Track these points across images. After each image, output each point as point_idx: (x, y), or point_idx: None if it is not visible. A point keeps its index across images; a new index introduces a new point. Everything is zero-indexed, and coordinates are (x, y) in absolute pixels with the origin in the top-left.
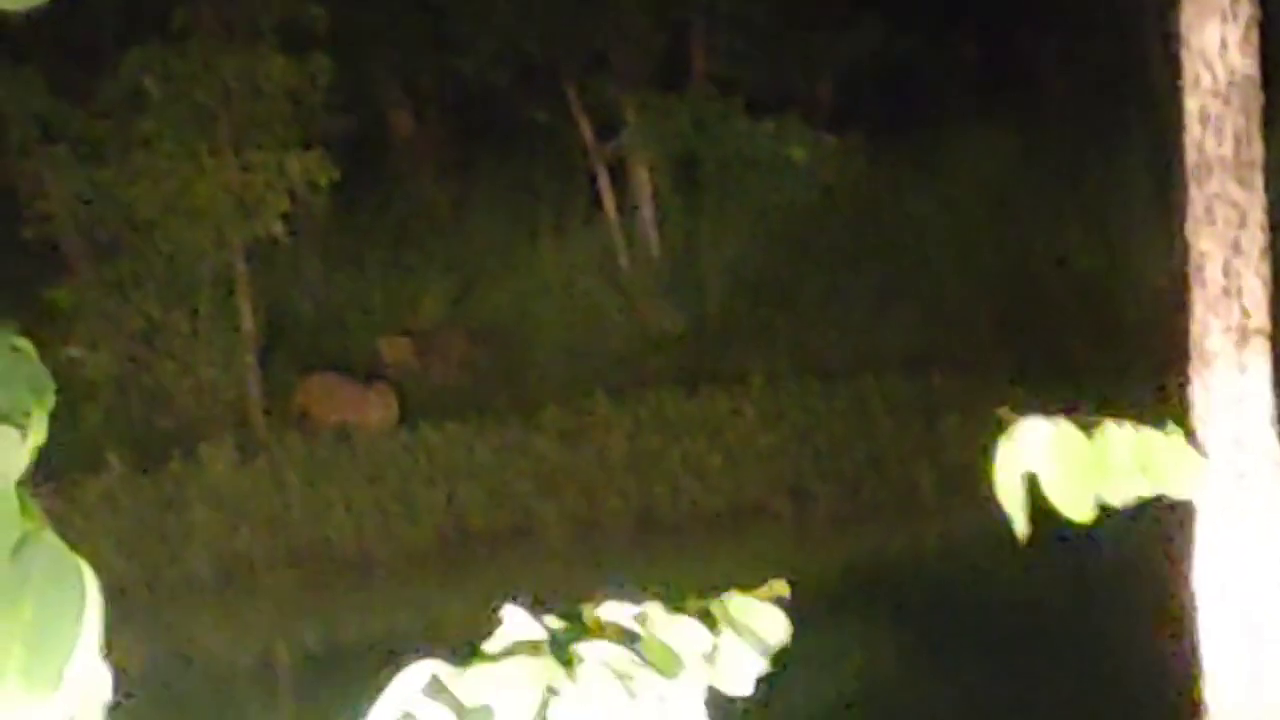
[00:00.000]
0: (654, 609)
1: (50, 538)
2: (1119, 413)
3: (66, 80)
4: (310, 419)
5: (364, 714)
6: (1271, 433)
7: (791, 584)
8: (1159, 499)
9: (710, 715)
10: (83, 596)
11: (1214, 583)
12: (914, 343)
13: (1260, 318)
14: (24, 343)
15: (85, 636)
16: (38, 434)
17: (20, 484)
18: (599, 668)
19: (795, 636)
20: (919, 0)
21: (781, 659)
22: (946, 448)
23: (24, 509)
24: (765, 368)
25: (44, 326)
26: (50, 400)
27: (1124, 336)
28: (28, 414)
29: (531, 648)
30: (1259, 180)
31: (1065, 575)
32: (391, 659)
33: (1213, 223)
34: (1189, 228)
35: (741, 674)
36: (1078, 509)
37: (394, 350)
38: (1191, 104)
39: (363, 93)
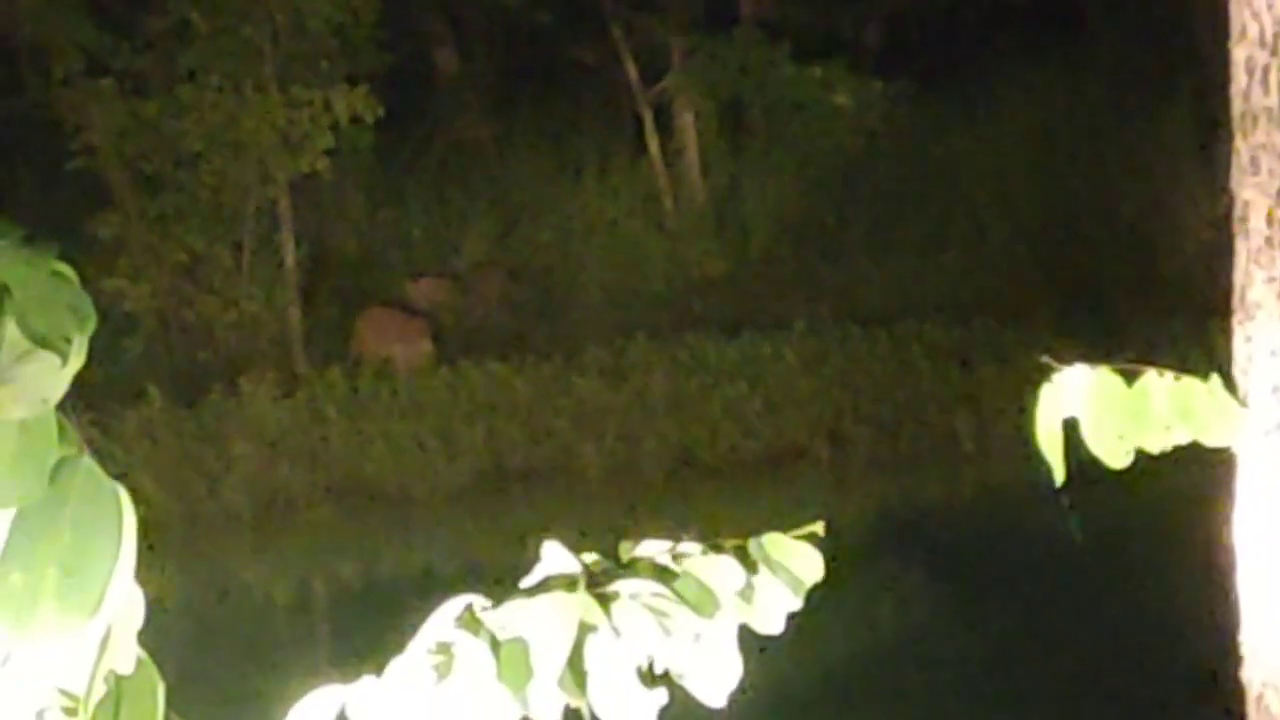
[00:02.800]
0: (690, 547)
1: (88, 463)
2: (1160, 362)
3: (112, 13)
4: (363, 353)
5: (402, 647)
6: None
7: (828, 528)
8: (1199, 449)
9: (744, 654)
10: (120, 522)
11: (1253, 532)
12: (957, 290)
13: None
14: (66, 268)
15: (121, 562)
16: (78, 359)
17: (59, 410)
18: (635, 604)
19: (830, 582)
20: None
21: (817, 604)
22: (986, 395)
23: (62, 434)
24: (807, 313)
25: (86, 259)
26: (91, 326)
27: (1167, 286)
28: (68, 340)
29: (568, 584)
30: None
31: (1103, 523)
32: (429, 595)
33: (1257, 173)
34: (1233, 178)
35: (775, 613)
36: (1116, 457)
37: (426, 291)
38: (1238, 54)
39: (408, 29)
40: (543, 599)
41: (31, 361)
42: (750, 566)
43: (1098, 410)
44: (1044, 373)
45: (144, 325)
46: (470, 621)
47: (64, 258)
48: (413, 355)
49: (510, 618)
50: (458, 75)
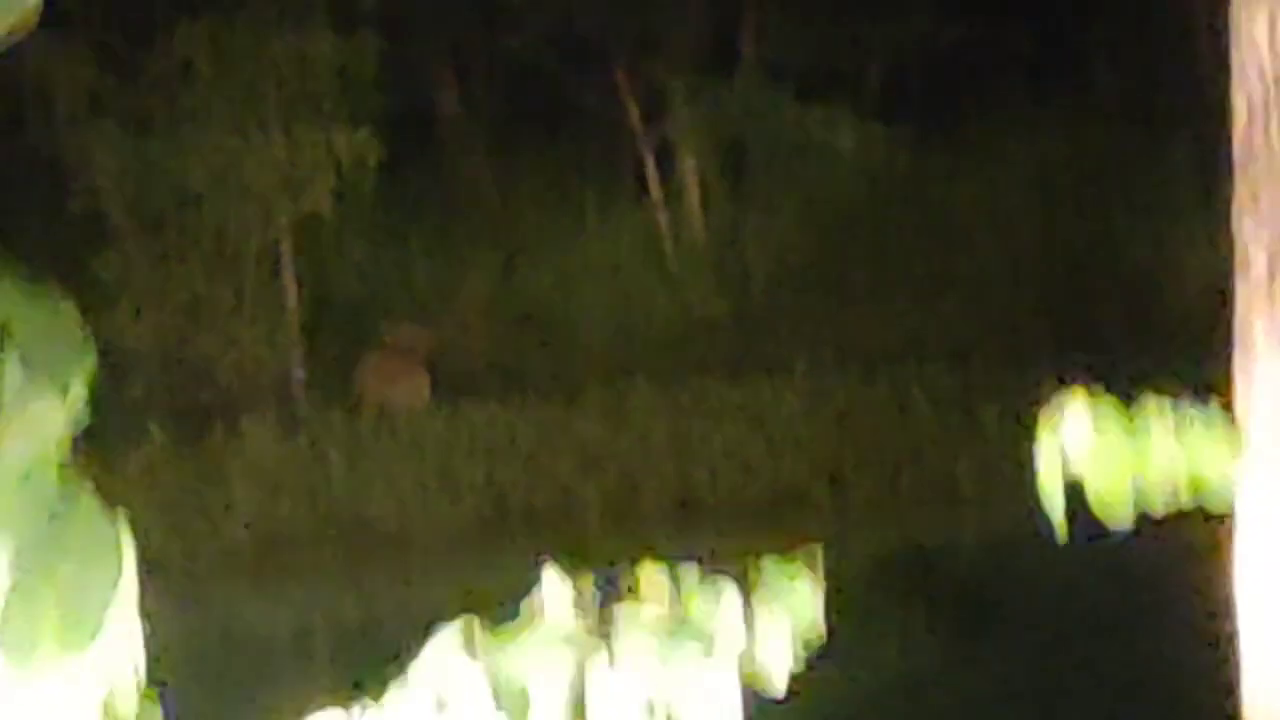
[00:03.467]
0: (691, 580)
1: (88, 500)
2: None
3: (115, 53)
4: (364, 394)
5: (401, 674)
6: None
7: (826, 571)
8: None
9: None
10: (119, 558)
11: (1254, 577)
12: (957, 333)
13: None
14: (68, 306)
15: (120, 597)
16: (78, 397)
17: (60, 447)
18: (635, 633)
19: (831, 624)
20: None
21: (817, 645)
22: (986, 438)
23: (63, 471)
24: (808, 355)
25: (89, 298)
26: (92, 364)
27: (1168, 328)
28: (69, 378)
29: (568, 613)
30: None
31: (1103, 568)
32: (428, 634)
33: (1257, 214)
34: (1234, 219)
35: (775, 647)
36: (1117, 517)
37: (428, 332)
38: (1239, 96)
39: (411, 72)
40: (543, 625)
41: (33, 399)
42: (750, 600)
43: (1098, 446)
44: (1044, 415)
45: (146, 365)
46: (470, 647)
47: (66, 297)
48: (413, 396)
49: (510, 647)
50: (460, 117)
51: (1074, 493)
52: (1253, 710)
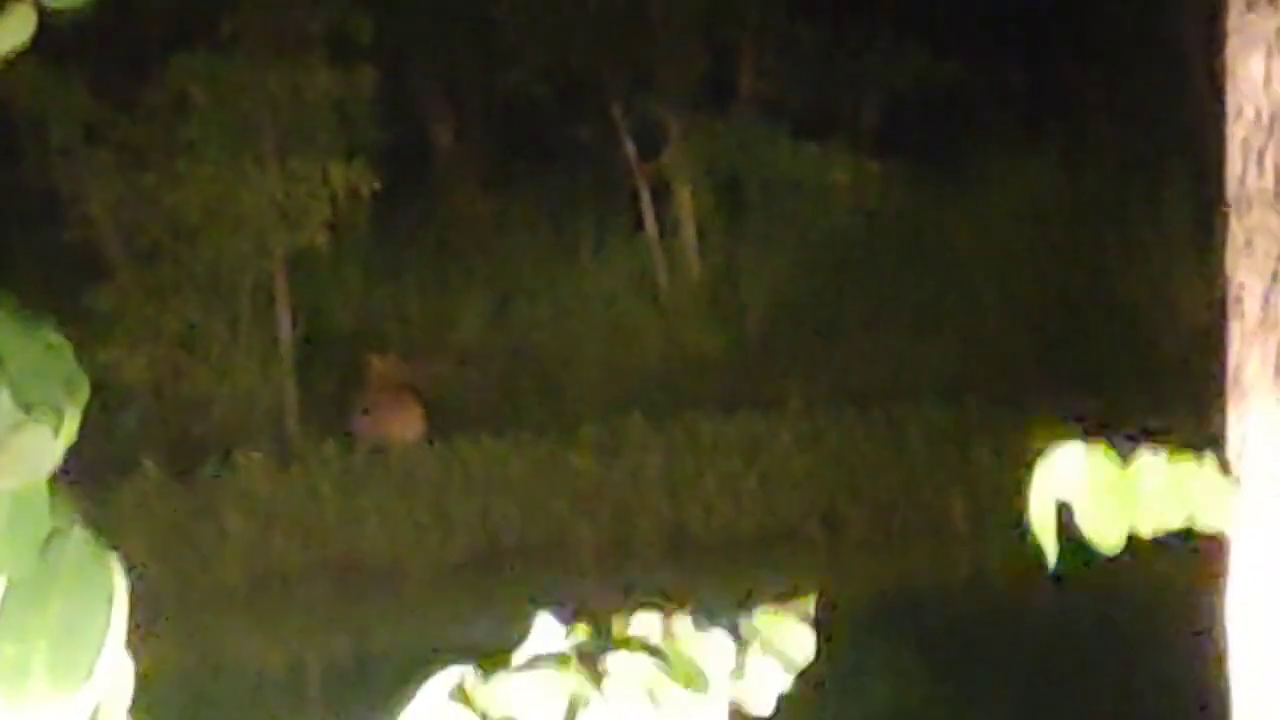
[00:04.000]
0: (681, 622)
1: (80, 534)
2: (1155, 443)
3: (110, 84)
4: (358, 429)
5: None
6: None
7: (820, 607)
8: (1192, 533)
9: None
10: (111, 593)
11: (1247, 618)
12: (952, 371)
13: None
14: (59, 339)
15: (112, 633)
16: (70, 430)
17: (52, 481)
18: (625, 679)
19: (824, 662)
20: (965, 27)
21: (810, 682)
22: (981, 477)
23: (55, 505)
24: (802, 392)
25: (82, 330)
26: (84, 397)
27: (1162, 368)
28: (61, 411)
29: (559, 658)
30: None
31: (1096, 607)
32: (421, 671)
33: (1252, 255)
34: (1228, 260)
35: (766, 692)
36: (1108, 541)
37: (422, 366)
38: (1234, 135)
39: (406, 104)
40: (533, 672)
41: (24, 432)
42: (741, 644)
43: (1091, 493)
44: (1038, 453)
45: (139, 397)
46: (460, 695)
47: (59, 328)
48: (407, 431)
49: (501, 692)
50: (455, 150)
51: (1064, 523)
52: None
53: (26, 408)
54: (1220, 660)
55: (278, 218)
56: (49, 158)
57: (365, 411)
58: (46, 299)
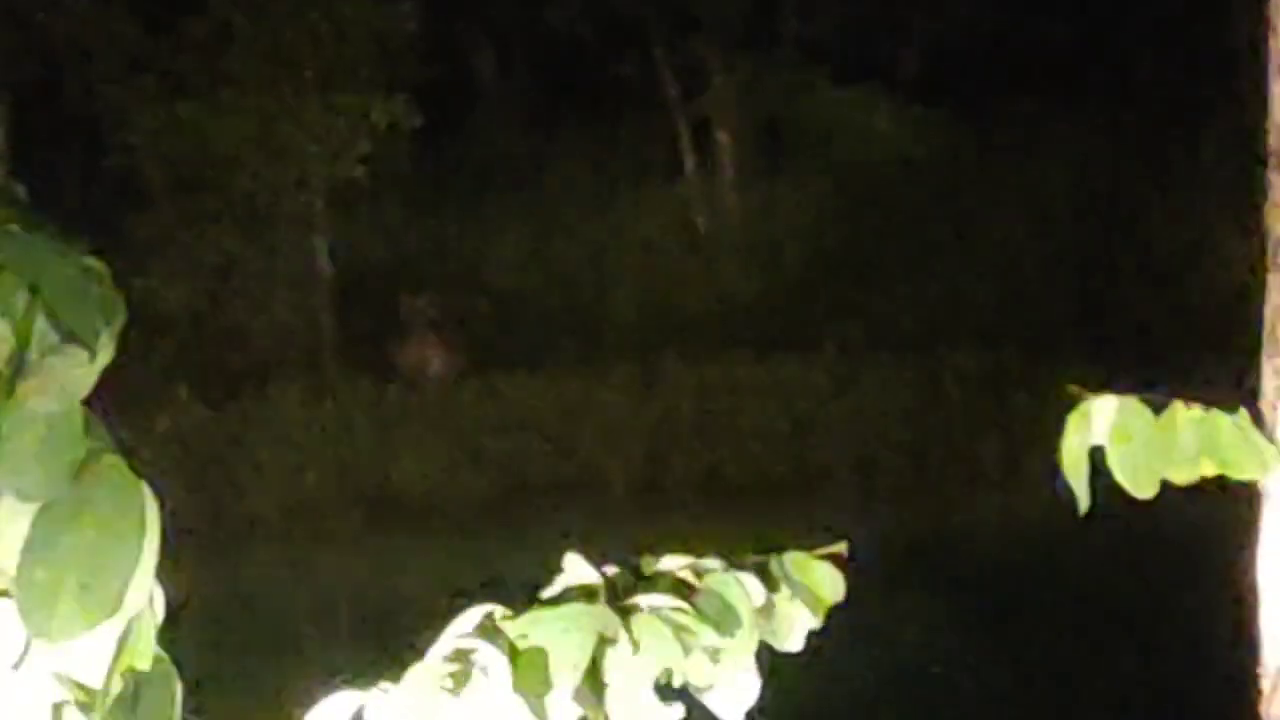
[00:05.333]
0: (711, 563)
1: (113, 459)
2: (1190, 395)
3: (154, 13)
4: (393, 363)
5: (422, 656)
6: None
7: (851, 553)
8: (1226, 481)
9: (764, 673)
10: (144, 520)
11: (1277, 568)
12: (988, 318)
13: None
14: (97, 264)
15: (143, 561)
16: (106, 355)
17: (87, 406)
18: (654, 619)
19: (854, 605)
20: None
21: (839, 626)
22: (1014, 424)
23: (89, 430)
24: (837, 336)
25: (121, 258)
26: (121, 322)
27: (1199, 320)
28: (97, 335)
29: (588, 595)
30: None
31: (1127, 555)
32: (450, 605)
33: None
34: (1268, 214)
35: (795, 631)
36: (1142, 486)
37: (458, 301)
38: (1276, 90)
39: (449, 41)
40: (563, 610)
41: (60, 355)
42: (771, 584)
43: (1124, 440)
44: (1072, 402)
45: (177, 326)
46: (489, 630)
47: (98, 255)
48: (442, 366)
49: (529, 628)
50: (496, 87)
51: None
52: (1273, 694)
53: (63, 331)
54: (1252, 607)
55: (318, 150)
56: (92, 86)
57: (401, 346)
58: (86, 226)
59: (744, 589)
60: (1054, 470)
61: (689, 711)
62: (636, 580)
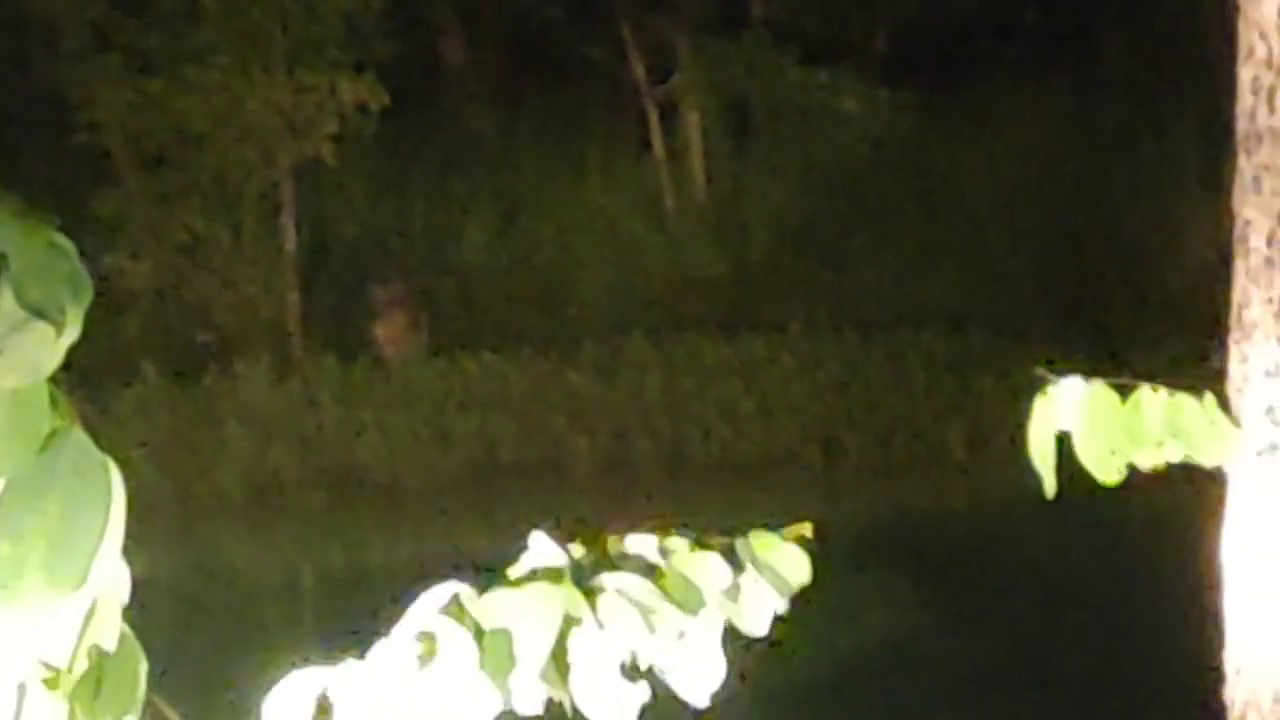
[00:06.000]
0: (678, 543)
1: (79, 436)
2: (1156, 379)
3: None
4: (359, 341)
5: (385, 634)
6: None
7: (817, 532)
8: (1191, 466)
9: (729, 655)
10: (109, 496)
11: (1241, 552)
12: (954, 300)
13: None
14: (64, 240)
15: (109, 536)
16: (73, 331)
17: (53, 382)
18: (620, 599)
19: (818, 587)
20: None
21: (804, 608)
22: (980, 406)
23: (55, 405)
24: (804, 317)
25: (87, 234)
26: (87, 299)
27: (1165, 304)
28: (63, 311)
29: (554, 575)
30: None
31: (1092, 538)
32: (416, 583)
33: (1259, 193)
34: (1235, 197)
35: (761, 613)
36: (1107, 471)
37: (425, 280)
38: (1245, 74)
39: (416, 19)
40: (528, 589)
41: (26, 331)
42: (737, 566)
43: (1091, 424)
44: (1039, 385)
45: (142, 303)
46: (455, 609)
47: (64, 232)
48: (408, 344)
49: (495, 607)
50: (464, 66)
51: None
52: (1236, 678)
53: (29, 307)
54: (1216, 591)
55: (285, 128)
56: (58, 62)
57: (368, 324)
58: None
59: (710, 569)
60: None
61: (654, 692)
62: (603, 560)
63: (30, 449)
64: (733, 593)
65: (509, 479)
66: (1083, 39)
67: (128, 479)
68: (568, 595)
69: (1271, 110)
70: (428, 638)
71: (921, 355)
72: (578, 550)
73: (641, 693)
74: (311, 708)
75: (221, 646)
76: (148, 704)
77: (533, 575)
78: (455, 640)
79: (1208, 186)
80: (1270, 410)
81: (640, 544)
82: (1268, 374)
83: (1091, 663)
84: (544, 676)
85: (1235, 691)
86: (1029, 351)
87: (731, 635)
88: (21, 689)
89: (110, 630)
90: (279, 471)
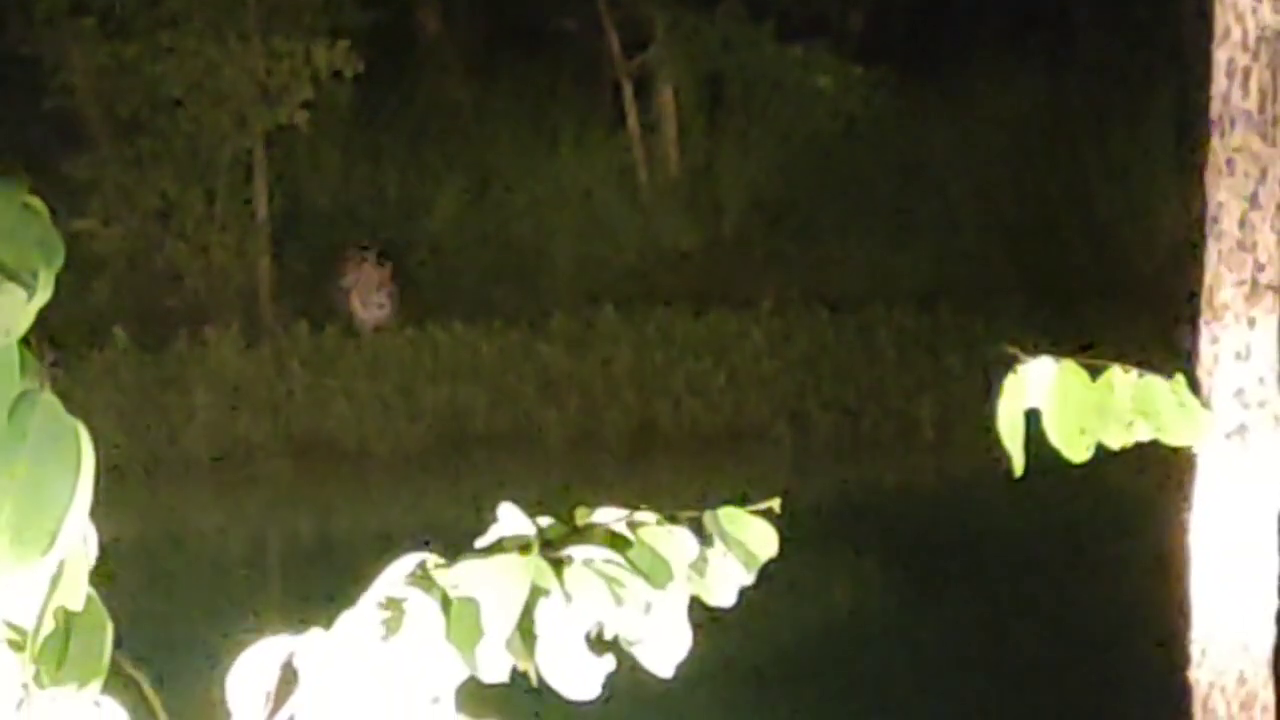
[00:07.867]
0: (645, 516)
1: (48, 399)
2: (1127, 360)
3: None
4: (330, 308)
5: (353, 602)
6: (1275, 388)
7: (785, 507)
8: (1160, 446)
9: (695, 627)
10: (78, 459)
11: (1209, 533)
12: (926, 278)
13: (1272, 273)
14: (36, 202)
15: (77, 500)
16: (43, 293)
17: (23, 344)
18: (587, 571)
19: (785, 562)
20: None
21: (770, 581)
22: (950, 383)
23: (25, 368)
24: (775, 293)
25: (59, 198)
26: (59, 262)
27: (1137, 284)
28: (34, 273)
29: (521, 546)
30: None
31: (1060, 517)
32: (383, 552)
33: (1232, 175)
34: (1208, 179)
35: (727, 586)
36: (1076, 450)
37: (397, 249)
38: (1220, 56)
39: None
40: (496, 560)
41: None
42: (705, 539)
43: (1060, 403)
44: (1008, 363)
45: (113, 268)
46: (422, 578)
47: (36, 195)
48: (379, 313)
49: (462, 577)
50: (439, 36)
51: (1033, 435)
52: (1202, 659)
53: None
54: (1183, 571)
55: (259, 95)
56: (33, 26)
57: (339, 292)
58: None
59: (677, 543)
60: (989, 433)
61: (620, 664)
62: (570, 532)
63: None
64: (700, 566)
65: (478, 449)
66: (1058, 19)
67: (96, 442)
68: (535, 566)
69: (1246, 93)
70: (395, 607)
71: (892, 332)
72: (546, 521)
73: (607, 664)
74: (276, 676)
75: (188, 611)
76: (113, 666)
77: (501, 545)
78: (422, 609)
79: (1180, 167)
80: (1240, 392)
81: (608, 516)
82: (1238, 356)
83: (1058, 642)
84: (510, 647)
85: (1201, 672)
86: (1000, 330)
87: (698, 608)
88: None
89: (77, 593)
90: (248, 438)
